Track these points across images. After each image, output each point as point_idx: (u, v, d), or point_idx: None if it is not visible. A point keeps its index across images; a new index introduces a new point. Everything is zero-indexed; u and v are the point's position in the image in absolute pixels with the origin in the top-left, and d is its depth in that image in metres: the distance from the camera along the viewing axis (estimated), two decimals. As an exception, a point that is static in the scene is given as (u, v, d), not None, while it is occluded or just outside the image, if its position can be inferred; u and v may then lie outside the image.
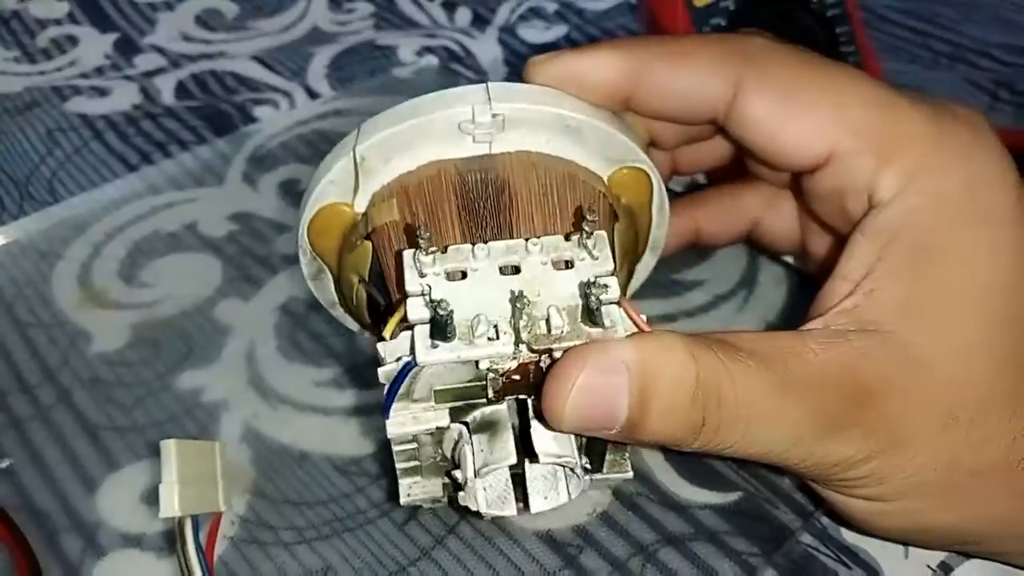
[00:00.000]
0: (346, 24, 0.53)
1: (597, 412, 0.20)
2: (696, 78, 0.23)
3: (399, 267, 0.22)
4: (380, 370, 0.21)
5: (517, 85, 0.23)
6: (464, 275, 0.21)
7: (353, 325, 0.29)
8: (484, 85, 0.23)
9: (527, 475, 0.22)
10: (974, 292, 0.21)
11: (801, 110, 0.23)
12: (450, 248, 0.21)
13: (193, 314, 0.34)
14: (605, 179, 0.24)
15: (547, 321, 0.20)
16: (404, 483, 0.24)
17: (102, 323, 0.33)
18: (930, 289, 0.22)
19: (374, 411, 0.30)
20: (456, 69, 0.48)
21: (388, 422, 0.22)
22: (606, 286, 0.20)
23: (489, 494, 0.22)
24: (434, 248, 0.21)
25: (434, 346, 0.20)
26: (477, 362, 0.20)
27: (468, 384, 0.21)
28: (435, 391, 0.21)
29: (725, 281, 0.34)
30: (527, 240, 0.22)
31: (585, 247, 0.21)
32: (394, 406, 0.21)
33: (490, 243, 0.22)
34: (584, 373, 0.19)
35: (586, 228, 0.21)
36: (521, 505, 0.23)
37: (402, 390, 0.21)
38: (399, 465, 0.23)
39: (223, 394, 0.31)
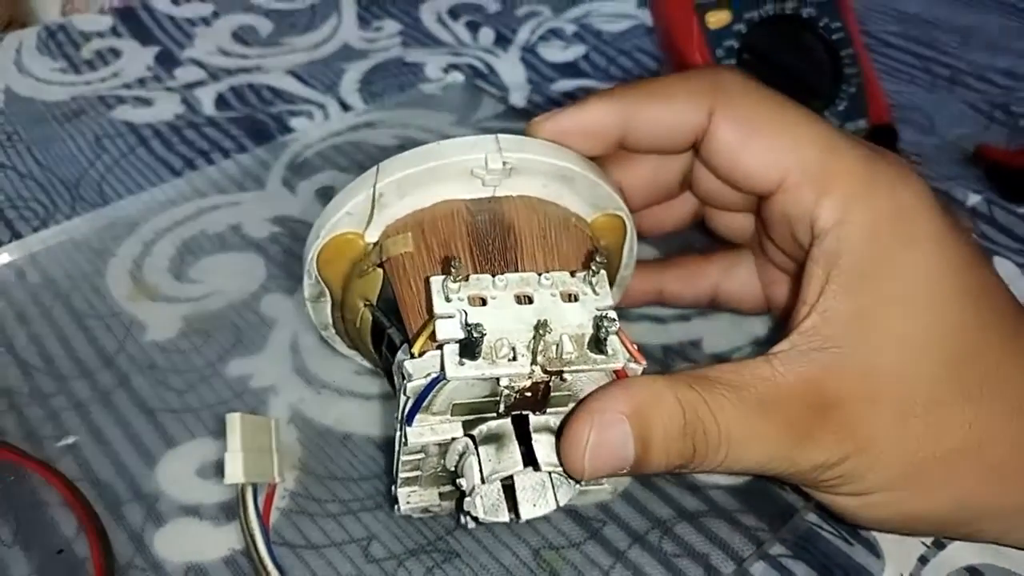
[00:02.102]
0: (375, 42, 0.56)
1: (610, 461, 0.23)
2: (676, 110, 0.27)
3: (425, 292, 0.24)
4: (409, 385, 0.23)
5: (523, 138, 0.26)
6: (484, 302, 0.23)
7: (341, 347, 0.31)
8: (495, 136, 0.26)
9: (516, 486, 0.24)
10: (910, 304, 0.24)
11: (762, 140, 0.26)
12: (471, 277, 0.24)
13: (240, 307, 0.36)
14: (589, 223, 0.27)
15: (559, 347, 0.23)
16: (403, 492, 0.26)
17: (155, 315, 0.36)
18: (872, 305, 0.24)
19: (411, 397, 0.32)
20: (481, 85, 0.51)
21: (410, 431, 0.24)
22: (614, 320, 0.23)
23: (485, 502, 0.24)
24: (460, 276, 0.23)
25: (461, 363, 0.22)
26: (498, 380, 0.23)
27: (483, 399, 0.24)
28: (453, 405, 0.24)
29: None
30: (540, 275, 0.24)
31: (590, 284, 0.24)
32: (418, 416, 0.24)
33: (507, 275, 0.24)
34: (593, 433, 0.23)
35: (594, 267, 0.24)
36: (512, 515, 0.25)
37: (424, 403, 0.23)
38: (403, 474, 0.25)
39: (270, 380, 0.33)
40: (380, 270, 0.26)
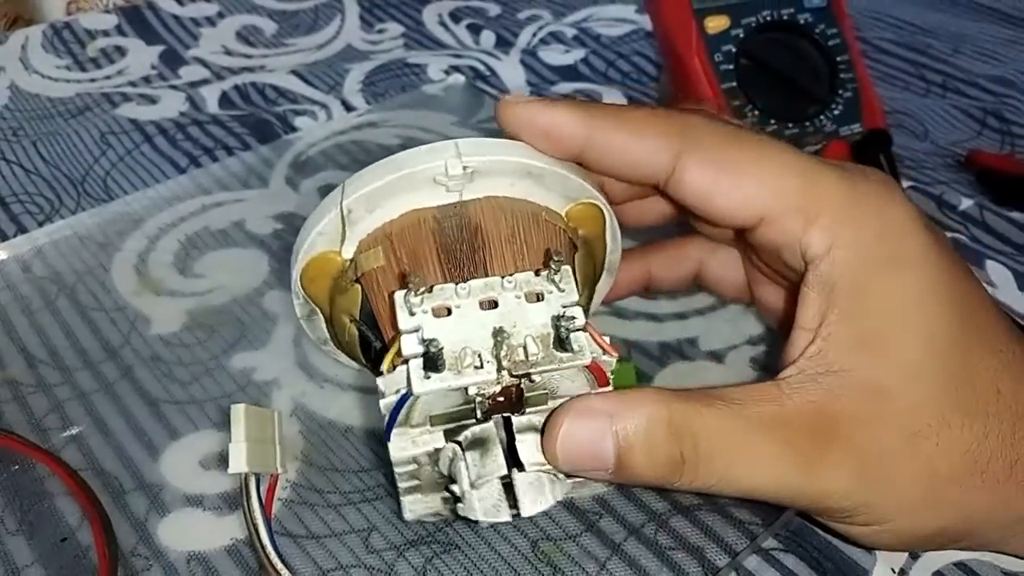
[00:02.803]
0: (377, 43, 0.56)
1: (585, 454, 0.23)
2: (641, 147, 0.26)
3: (391, 307, 0.24)
4: (381, 402, 0.23)
5: (483, 140, 0.27)
6: (449, 311, 0.24)
7: (344, 359, 0.31)
8: (454, 142, 0.26)
9: (516, 484, 0.24)
10: (908, 324, 0.25)
11: (732, 181, 0.26)
12: (435, 288, 0.24)
13: (243, 303, 0.37)
14: (563, 215, 0.28)
15: (524, 349, 0.23)
16: (406, 500, 0.26)
17: (159, 309, 0.36)
18: (873, 327, 0.25)
19: (412, 392, 0.33)
20: (482, 87, 0.52)
21: (390, 446, 0.24)
22: (573, 317, 0.23)
23: (485, 503, 0.24)
24: (422, 289, 0.24)
25: (427, 377, 0.22)
26: (467, 388, 0.23)
27: (459, 407, 0.24)
28: (431, 416, 0.24)
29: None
30: (503, 278, 0.24)
31: (553, 281, 0.24)
32: (395, 431, 0.24)
33: (470, 282, 0.24)
34: (568, 421, 0.23)
35: (552, 266, 0.24)
36: (514, 512, 0.25)
37: (400, 418, 0.23)
38: (401, 485, 0.26)
39: (273, 374, 0.34)
40: (358, 285, 0.26)
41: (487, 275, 0.25)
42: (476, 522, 0.25)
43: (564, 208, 0.28)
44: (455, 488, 0.24)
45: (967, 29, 0.61)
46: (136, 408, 0.32)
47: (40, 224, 0.41)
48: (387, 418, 0.24)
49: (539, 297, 0.24)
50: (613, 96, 0.52)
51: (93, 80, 0.52)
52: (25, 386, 0.33)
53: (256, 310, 0.36)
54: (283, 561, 0.26)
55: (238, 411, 0.27)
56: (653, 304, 0.36)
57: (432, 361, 0.22)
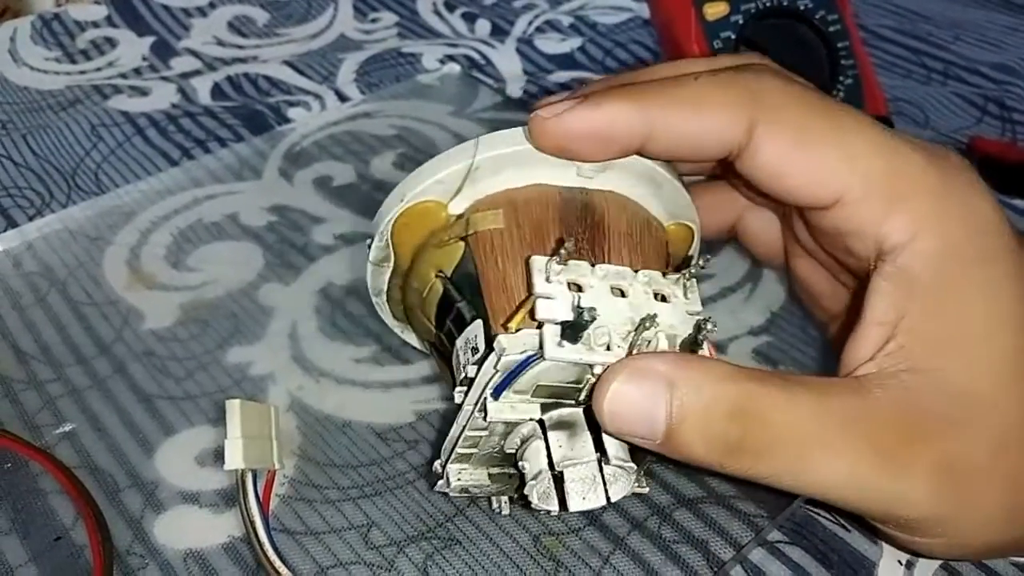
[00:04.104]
0: (371, 33, 0.56)
1: (633, 414, 0.22)
2: (711, 125, 0.24)
3: (517, 271, 0.24)
4: (504, 358, 0.22)
5: None
6: (580, 288, 0.23)
7: (387, 316, 0.31)
8: None
9: (566, 477, 0.23)
10: (995, 325, 0.23)
11: (812, 156, 0.23)
12: (571, 262, 0.23)
13: (238, 296, 0.36)
14: (664, 229, 0.28)
15: (652, 344, 0.23)
16: (454, 468, 0.26)
17: (152, 303, 0.36)
18: (960, 326, 0.23)
19: (410, 385, 0.32)
20: (477, 76, 0.51)
21: (493, 405, 0.23)
22: (714, 328, 0.23)
23: (539, 489, 0.24)
24: (563, 259, 0.23)
25: (561, 345, 0.22)
26: (591, 366, 0.22)
27: (566, 384, 0.23)
28: (537, 386, 0.23)
29: (732, 275, 0.37)
30: (636, 270, 0.24)
31: (684, 288, 0.24)
32: (504, 392, 0.23)
33: (606, 265, 0.24)
34: (621, 377, 0.22)
35: (692, 270, 0.24)
36: (559, 504, 0.24)
37: (513, 381, 0.23)
38: (460, 450, 0.25)
39: (269, 368, 0.33)
40: (462, 243, 0.26)
41: (612, 265, 0.24)
42: (503, 512, 0.26)
43: (666, 224, 0.28)
44: (524, 466, 0.24)
45: (968, 16, 0.60)
46: (130, 404, 0.32)
47: (30, 218, 0.41)
48: (502, 376, 0.23)
49: (664, 298, 0.24)
50: (611, 85, 0.51)
51: (83, 72, 0.52)
52: (17, 383, 0.33)
53: (251, 303, 0.36)
54: (281, 558, 0.26)
55: (233, 406, 0.26)
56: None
57: (575, 330, 0.22)
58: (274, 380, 0.33)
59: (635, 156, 0.25)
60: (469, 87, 0.49)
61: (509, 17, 0.57)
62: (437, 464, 0.26)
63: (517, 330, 0.23)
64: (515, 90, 0.50)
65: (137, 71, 0.52)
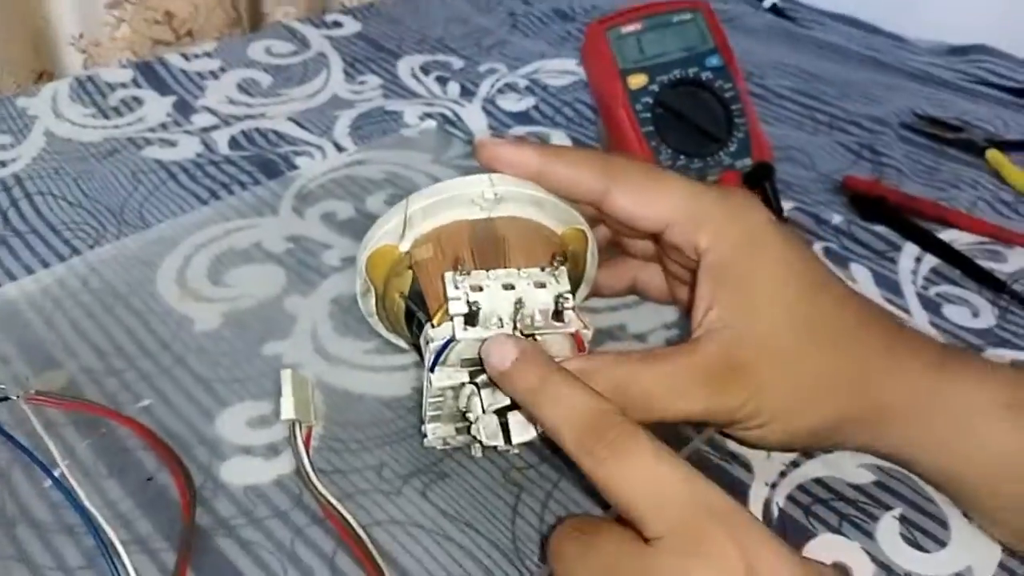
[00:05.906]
0: (360, 93, 0.66)
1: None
2: (580, 178, 0.37)
3: (441, 284, 0.34)
4: (431, 344, 0.33)
5: (507, 175, 0.37)
6: (480, 288, 0.34)
7: (382, 330, 0.42)
8: (488, 175, 0.37)
9: (509, 420, 0.34)
10: (772, 289, 0.35)
11: (646, 202, 0.36)
12: (472, 272, 0.34)
13: (267, 306, 0.46)
14: (560, 234, 0.38)
15: (531, 318, 0.34)
16: (430, 427, 0.36)
17: (200, 312, 0.46)
18: (750, 295, 0.35)
19: (408, 368, 0.43)
20: (450, 130, 0.62)
21: (433, 376, 0.34)
22: (568, 298, 0.34)
23: (487, 430, 0.34)
24: (465, 272, 0.34)
25: (466, 329, 0.33)
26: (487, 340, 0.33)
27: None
28: (462, 359, 0.34)
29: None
30: (519, 270, 0.35)
31: (554, 276, 0.35)
32: (438, 367, 0.34)
33: (496, 270, 0.35)
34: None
35: (555, 263, 0.35)
36: (505, 440, 0.34)
37: (442, 358, 0.34)
38: (430, 412, 0.36)
39: (297, 359, 0.43)
40: (410, 271, 0.36)
41: (506, 268, 0.35)
42: (481, 455, 0.35)
43: (560, 230, 0.38)
44: (470, 415, 0.34)
45: (855, 76, 0.73)
46: (191, 386, 0.42)
47: (90, 247, 0.50)
48: (433, 356, 0.33)
49: (543, 285, 0.34)
50: (559, 137, 0.62)
51: (117, 127, 0.62)
52: (98, 372, 0.42)
53: (278, 311, 0.46)
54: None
55: (286, 374, 0.36)
56: (592, 301, 0.47)
57: (472, 317, 0.33)
58: (301, 367, 0.43)
59: (519, 189, 0.37)
60: (444, 139, 0.60)
61: (475, 80, 0.69)
62: (423, 425, 0.37)
63: (439, 324, 0.34)
64: (481, 141, 0.61)
65: (163, 126, 0.62)
